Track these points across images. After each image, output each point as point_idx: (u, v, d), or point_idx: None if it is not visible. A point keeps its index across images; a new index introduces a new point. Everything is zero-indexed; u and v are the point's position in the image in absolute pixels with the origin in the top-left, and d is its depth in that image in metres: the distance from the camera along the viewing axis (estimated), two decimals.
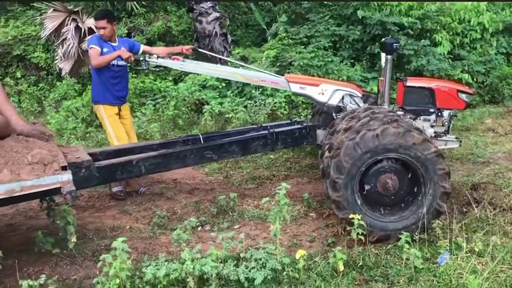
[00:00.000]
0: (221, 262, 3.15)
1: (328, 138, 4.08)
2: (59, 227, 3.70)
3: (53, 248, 3.62)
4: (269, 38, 9.40)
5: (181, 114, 7.36)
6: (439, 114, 4.67)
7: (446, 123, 4.69)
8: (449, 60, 8.52)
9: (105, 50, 4.77)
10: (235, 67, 5.85)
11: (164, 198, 4.94)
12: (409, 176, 3.71)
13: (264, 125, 5.02)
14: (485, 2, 9.09)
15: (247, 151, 4.62)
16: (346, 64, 8.31)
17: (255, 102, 7.20)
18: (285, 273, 3.17)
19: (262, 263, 3.18)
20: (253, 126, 5.18)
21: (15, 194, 2.98)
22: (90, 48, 4.72)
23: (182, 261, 3.06)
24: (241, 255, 3.30)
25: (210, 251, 3.17)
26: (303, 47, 8.42)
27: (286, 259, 3.21)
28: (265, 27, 10.03)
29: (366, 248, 3.56)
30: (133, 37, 9.29)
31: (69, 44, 8.37)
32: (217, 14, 8.93)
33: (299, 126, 4.88)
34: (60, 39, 8.55)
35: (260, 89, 7.41)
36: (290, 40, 8.48)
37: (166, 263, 3.08)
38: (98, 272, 3.25)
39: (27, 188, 3.00)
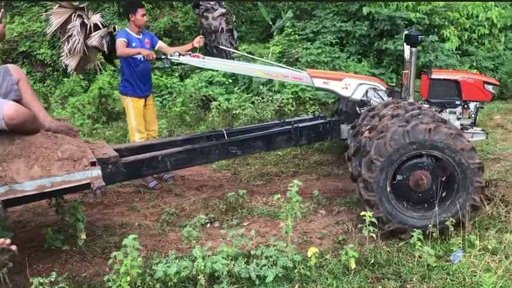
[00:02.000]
0: (232, 260, 3.13)
1: (367, 120, 4.02)
2: (67, 223, 3.69)
3: (63, 245, 3.61)
4: (275, 33, 9.35)
5: (189, 110, 7.33)
6: (465, 106, 4.63)
7: (472, 116, 4.66)
8: (458, 56, 8.46)
9: (133, 44, 4.98)
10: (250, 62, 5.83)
11: (172, 195, 4.92)
12: (443, 179, 3.66)
13: (287, 120, 5.03)
14: None
15: (271, 146, 4.62)
16: (353, 60, 8.26)
17: (262, 98, 7.16)
18: (296, 270, 3.14)
19: (273, 261, 3.14)
20: (276, 121, 5.18)
21: (46, 190, 2.99)
22: (118, 40, 4.89)
23: (193, 258, 3.04)
24: (252, 252, 3.27)
25: (220, 248, 3.15)
26: (309, 43, 8.38)
27: (297, 256, 3.18)
28: (270, 23, 9.98)
29: (377, 246, 3.53)
30: None
31: (74, 41, 8.30)
32: (223, 10, 8.89)
33: (323, 121, 4.87)
34: (66, 36, 8.49)
35: (267, 85, 7.37)
36: (296, 36, 8.43)
37: (177, 260, 3.06)
38: (108, 269, 3.25)
39: (58, 183, 3.03)
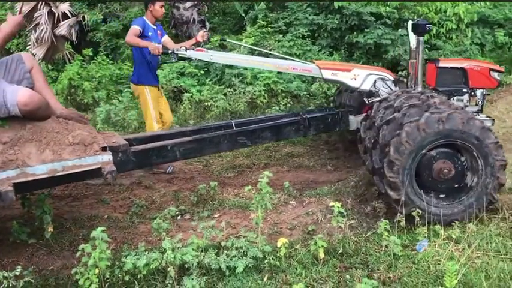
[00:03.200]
0: (202, 251, 3.13)
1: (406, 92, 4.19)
2: (34, 216, 3.61)
3: (29, 238, 3.53)
4: (247, 23, 9.32)
5: None
6: (472, 93, 4.73)
7: (479, 103, 4.75)
8: (426, 49, 8.60)
9: (150, 33, 5.02)
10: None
11: (142, 187, 4.88)
12: (455, 185, 3.74)
13: (295, 111, 5.08)
14: None
15: (280, 136, 4.69)
16: (324, 53, 8.31)
17: (235, 90, 7.15)
18: (266, 261, 3.17)
19: (244, 252, 3.17)
20: (285, 113, 5.20)
21: (57, 174, 3.01)
22: (132, 27, 4.88)
23: (162, 250, 3.03)
24: (222, 244, 3.28)
25: (190, 240, 3.15)
26: (281, 35, 8.40)
27: (267, 247, 3.21)
28: (243, 15, 9.94)
29: (345, 236, 3.59)
30: (109, 23, 9.09)
31: (42, 29, 8.15)
32: (195, 1, 8.80)
33: (331, 111, 4.93)
34: (33, 24, 8.31)
35: (240, 77, 7.35)
36: (269, 28, 8.43)
37: (146, 252, 3.05)
38: (75, 262, 3.20)
39: (69, 168, 3.05)
